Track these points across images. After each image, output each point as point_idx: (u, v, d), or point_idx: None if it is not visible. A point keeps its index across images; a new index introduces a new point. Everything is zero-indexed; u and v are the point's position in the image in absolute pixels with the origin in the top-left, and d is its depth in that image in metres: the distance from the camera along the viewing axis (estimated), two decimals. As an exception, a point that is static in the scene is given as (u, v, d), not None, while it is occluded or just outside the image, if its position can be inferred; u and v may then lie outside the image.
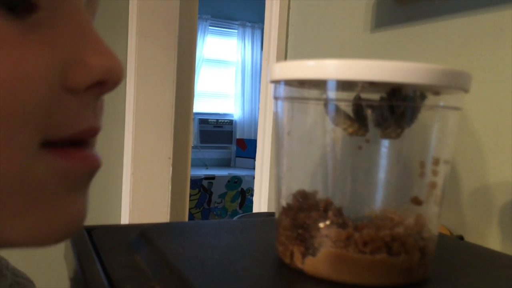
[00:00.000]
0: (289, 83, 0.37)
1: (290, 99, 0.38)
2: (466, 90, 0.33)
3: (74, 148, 0.24)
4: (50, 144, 0.23)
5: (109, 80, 0.24)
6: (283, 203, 0.37)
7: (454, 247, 0.46)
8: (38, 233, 0.24)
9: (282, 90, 0.38)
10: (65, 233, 0.25)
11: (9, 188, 0.22)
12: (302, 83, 0.36)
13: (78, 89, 0.23)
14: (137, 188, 1.53)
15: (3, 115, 0.21)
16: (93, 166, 0.26)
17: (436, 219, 0.35)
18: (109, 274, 0.33)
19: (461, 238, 0.58)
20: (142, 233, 0.39)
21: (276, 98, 0.38)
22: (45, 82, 0.22)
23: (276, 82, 0.37)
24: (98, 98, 0.26)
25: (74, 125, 0.24)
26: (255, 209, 1.16)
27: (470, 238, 0.62)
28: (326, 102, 0.34)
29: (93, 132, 0.25)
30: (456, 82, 0.32)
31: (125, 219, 1.54)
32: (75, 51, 0.23)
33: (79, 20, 0.24)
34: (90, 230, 0.43)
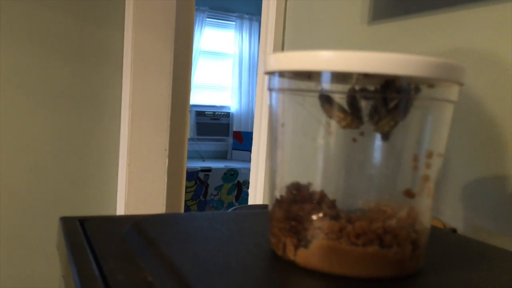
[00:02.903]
0: (283, 74, 0.37)
1: (285, 90, 0.38)
2: (460, 83, 0.33)
3: None
4: None
5: None
6: (277, 195, 0.37)
7: (447, 240, 0.46)
8: None
9: (277, 82, 0.37)
10: None
11: None
12: (296, 75, 0.36)
13: None
14: (132, 180, 1.53)
15: None
16: None
17: (428, 212, 0.35)
18: (101, 265, 0.33)
19: (454, 231, 0.59)
20: (135, 225, 0.39)
21: (270, 89, 0.38)
22: None
23: (270, 73, 0.37)
24: None
25: None
26: (251, 202, 1.16)
27: (463, 231, 0.63)
28: (320, 94, 0.34)
29: None
30: (451, 75, 0.32)
31: (120, 211, 1.54)
32: None
33: None
34: (83, 221, 0.42)
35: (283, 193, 0.36)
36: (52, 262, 1.40)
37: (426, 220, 0.35)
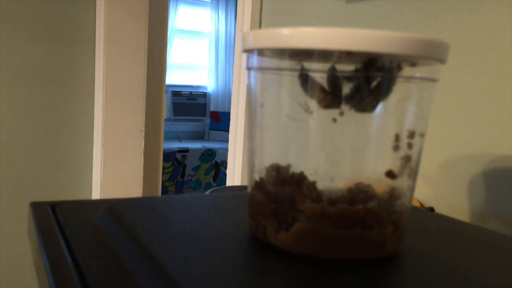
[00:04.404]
0: (262, 52, 0.35)
1: (263, 69, 0.36)
2: (443, 61, 0.33)
3: None
4: None
5: None
6: (256, 177, 0.36)
7: (426, 219, 0.46)
8: None
9: (255, 60, 0.36)
10: None
11: None
12: (275, 53, 0.35)
13: None
14: (108, 162, 1.50)
15: None
16: None
17: (409, 193, 0.35)
18: (73, 252, 0.32)
19: (431, 210, 0.59)
20: (109, 209, 0.38)
21: (249, 68, 0.37)
22: None
23: (249, 51, 0.36)
24: None
25: None
26: (229, 182, 1.15)
27: (440, 209, 0.63)
28: (300, 73, 0.33)
29: None
30: (434, 52, 0.31)
31: (96, 194, 1.51)
32: None
33: None
34: (54, 206, 0.41)
35: (263, 175, 0.36)
36: (24, 249, 1.37)
37: (407, 200, 0.35)
